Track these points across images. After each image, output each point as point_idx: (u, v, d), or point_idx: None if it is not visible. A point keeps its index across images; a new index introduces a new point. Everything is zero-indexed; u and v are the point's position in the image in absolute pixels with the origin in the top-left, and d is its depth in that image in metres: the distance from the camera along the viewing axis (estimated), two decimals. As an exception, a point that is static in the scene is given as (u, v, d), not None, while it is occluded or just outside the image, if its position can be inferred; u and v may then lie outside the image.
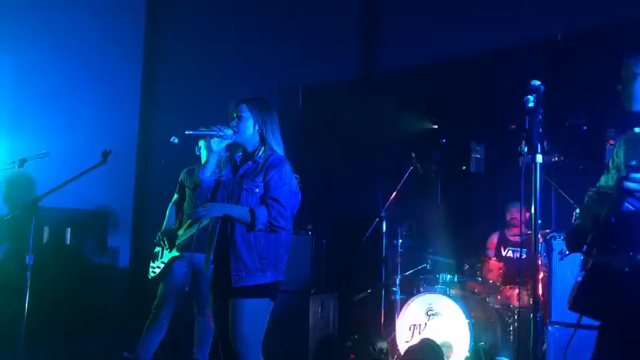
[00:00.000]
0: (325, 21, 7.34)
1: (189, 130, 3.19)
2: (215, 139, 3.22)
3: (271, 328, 5.24)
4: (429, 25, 6.62)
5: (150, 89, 8.67)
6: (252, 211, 3.13)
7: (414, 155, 5.60)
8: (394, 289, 5.43)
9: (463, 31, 6.29)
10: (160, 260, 4.71)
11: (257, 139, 3.33)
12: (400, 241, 5.47)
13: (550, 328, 4.24)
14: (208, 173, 3.29)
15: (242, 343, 3.13)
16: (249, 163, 3.30)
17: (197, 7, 8.36)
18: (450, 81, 6.29)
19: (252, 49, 7.60)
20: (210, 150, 3.26)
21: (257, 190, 3.21)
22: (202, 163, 3.36)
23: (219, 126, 3.23)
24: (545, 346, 4.27)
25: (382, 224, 5.54)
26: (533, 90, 2.30)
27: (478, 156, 6.02)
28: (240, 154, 3.39)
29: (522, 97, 2.26)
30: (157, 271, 4.71)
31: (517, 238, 5.71)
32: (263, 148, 3.31)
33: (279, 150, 3.35)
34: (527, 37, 5.87)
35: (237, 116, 3.30)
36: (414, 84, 6.55)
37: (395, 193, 5.52)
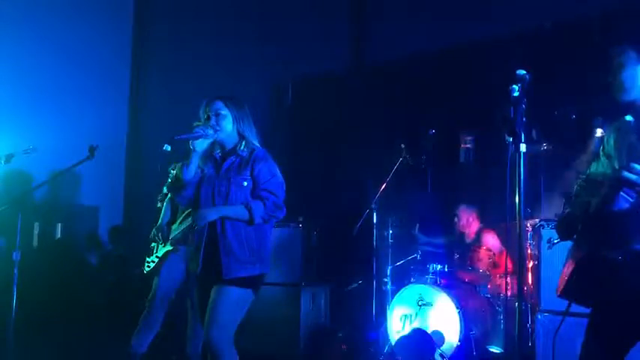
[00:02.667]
0: (313, 16, 7.32)
1: (177, 135, 3.17)
2: (199, 140, 3.21)
3: (263, 319, 5.28)
4: (416, 16, 6.62)
5: (138, 85, 8.65)
6: (247, 207, 3.15)
7: (403, 146, 5.60)
8: (385, 279, 5.45)
9: (451, 22, 6.29)
10: (154, 255, 4.73)
11: (236, 134, 3.33)
12: (390, 231, 5.49)
13: (539, 316, 4.26)
14: (192, 174, 3.28)
15: (218, 331, 3.09)
16: (233, 157, 3.30)
17: (186, 3, 8.33)
18: (438, 72, 6.30)
19: (242, 45, 7.58)
20: (194, 150, 3.23)
21: (245, 183, 3.22)
22: (185, 164, 3.30)
23: (202, 126, 3.22)
24: (534, 334, 4.29)
25: (373, 215, 5.55)
26: (519, 79, 2.30)
27: (468, 146, 6.03)
28: (219, 151, 3.37)
29: (508, 86, 2.26)
30: (152, 265, 4.72)
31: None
32: (244, 142, 3.31)
33: (257, 142, 3.37)
34: (516, 27, 5.88)
35: (215, 114, 3.28)
36: (404, 76, 6.56)
37: (385, 184, 5.52)
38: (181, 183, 3.27)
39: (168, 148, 3.20)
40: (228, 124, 3.29)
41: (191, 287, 4.54)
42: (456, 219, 5.86)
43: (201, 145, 3.22)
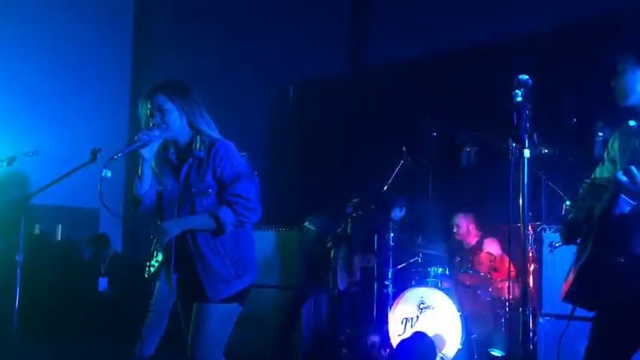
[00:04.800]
0: (315, 18, 7.34)
1: (117, 154, 2.74)
2: (146, 148, 2.81)
3: (264, 323, 5.28)
4: (417, 19, 6.63)
5: (139, 87, 8.65)
6: (214, 216, 2.76)
7: (404, 149, 5.61)
8: (386, 282, 5.45)
9: (451, 25, 6.30)
10: (155, 259, 4.71)
11: (187, 128, 2.90)
12: (392, 234, 5.48)
13: (541, 320, 4.27)
14: (147, 187, 2.90)
15: (206, 350, 2.82)
16: (190, 160, 2.87)
17: (186, 5, 8.34)
18: (440, 74, 6.31)
19: (243, 47, 7.60)
20: (143, 159, 2.84)
21: (210, 190, 2.83)
22: (138, 176, 2.90)
23: (144, 131, 2.81)
24: (536, 338, 4.29)
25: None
26: (521, 84, 2.29)
27: (469, 149, 6.03)
28: (173, 150, 2.95)
29: (510, 91, 2.26)
30: (153, 269, 4.71)
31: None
32: (199, 138, 2.87)
33: (213, 132, 2.92)
34: (515, 31, 5.89)
35: (158, 110, 2.85)
36: (405, 78, 6.56)
37: (386, 187, 5.52)
38: (137, 198, 2.91)
39: (108, 173, 2.73)
40: (175, 119, 2.85)
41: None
42: (455, 229, 5.83)
43: (149, 152, 2.83)
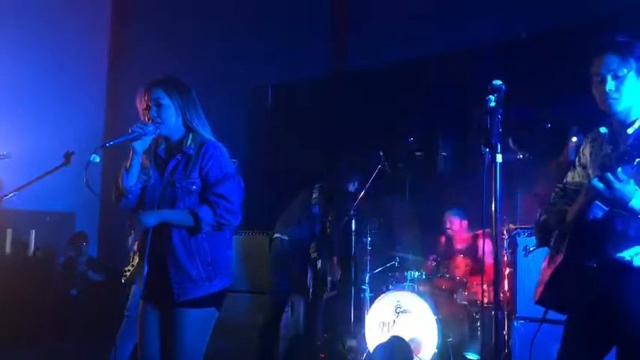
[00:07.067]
0: (295, 19, 7.35)
1: (110, 141, 2.74)
2: (139, 141, 2.77)
3: (241, 329, 5.25)
4: (397, 24, 6.67)
5: (115, 88, 8.58)
6: (193, 213, 2.72)
7: (381, 154, 5.62)
8: (363, 286, 5.45)
9: (431, 30, 6.35)
10: (131, 263, 4.66)
11: (181, 126, 2.88)
12: (369, 239, 5.48)
13: (515, 323, 4.30)
14: (134, 181, 2.84)
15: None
16: (179, 156, 2.84)
17: (164, 5, 8.29)
18: (418, 79, 6.35)
19: (222, 47, 7.58)
20: (134, 152, 2.79)
21: (194, 187, 2.79)
22: (125, 168, 2.84)
23: (139, 124, 2.77)
24: (511, 341, 4.32)
25: (351, 222, 5.54)
26: (495, 90, 2.31)
27: (445, 154, 6.07)
28: (164, 146, 2.92)
29: (484, 96, 2.27)
30: (128, 274, 4.66)
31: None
32: (191, 136, 2.86)
33: (207, 133, 2.90)
34: (492, 37, 5.95)
35: (155, 104, 2.82)
36: (382, 83, 6.60)
37: (363, 191, 5.53)
38: (122, 191, 2.84)
39: (96, 158, 2.72)
40: (171, 116, 2.83)
41: None
42: (448, 224, 5.86)
43: (142, 145, 2.79)
